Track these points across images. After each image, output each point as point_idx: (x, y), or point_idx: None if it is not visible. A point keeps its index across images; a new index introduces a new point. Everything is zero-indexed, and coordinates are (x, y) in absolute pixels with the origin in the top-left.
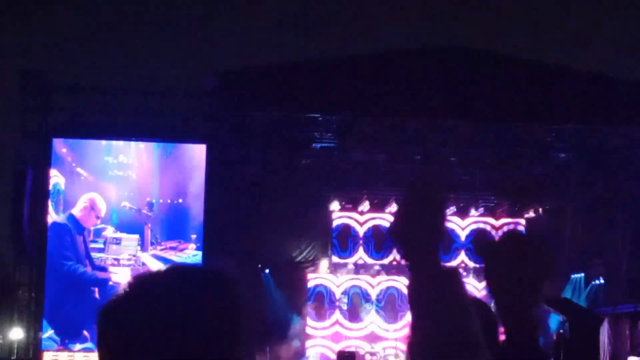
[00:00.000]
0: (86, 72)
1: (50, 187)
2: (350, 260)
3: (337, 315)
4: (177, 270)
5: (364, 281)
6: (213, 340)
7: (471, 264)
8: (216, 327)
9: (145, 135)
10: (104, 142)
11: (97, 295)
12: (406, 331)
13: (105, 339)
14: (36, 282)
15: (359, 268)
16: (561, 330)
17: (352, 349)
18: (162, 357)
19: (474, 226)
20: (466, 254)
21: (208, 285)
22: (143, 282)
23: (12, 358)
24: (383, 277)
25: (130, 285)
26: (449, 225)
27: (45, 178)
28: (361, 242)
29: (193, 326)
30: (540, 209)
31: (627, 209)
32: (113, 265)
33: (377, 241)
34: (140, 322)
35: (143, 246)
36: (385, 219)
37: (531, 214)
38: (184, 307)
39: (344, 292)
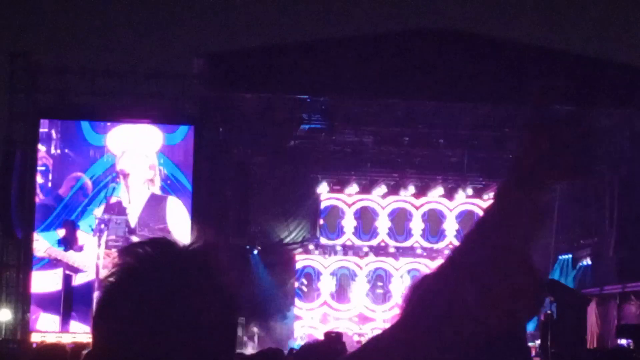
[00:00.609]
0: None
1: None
2: (339, 242)
3: (325, 296)
4: (166, 249)
5: (352, 262)
6: (207, 318)
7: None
8: (207, 316)
9: (132, 117)
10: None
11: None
12: (395, 312)
13: (100, 321)
14: (24, 263)
15: (347, 249)
16: (549, 311)
17: (340, 330)
18: (156, 338)
19: (462, 207)
20: (455, 236)
21: (199, 263)
22: (136, 267)
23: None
24: (371, 258)
25: (122, 267)
26: (437, 207)
27: (33, 159)
28: (349, 223)
29: (186, 306)
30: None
31: (614, 191)
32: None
33: (365, 222)
34: (134, 304)
35: (131, 228)
36: (374, 200)
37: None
38: (174, 287)
39: (332, 273)
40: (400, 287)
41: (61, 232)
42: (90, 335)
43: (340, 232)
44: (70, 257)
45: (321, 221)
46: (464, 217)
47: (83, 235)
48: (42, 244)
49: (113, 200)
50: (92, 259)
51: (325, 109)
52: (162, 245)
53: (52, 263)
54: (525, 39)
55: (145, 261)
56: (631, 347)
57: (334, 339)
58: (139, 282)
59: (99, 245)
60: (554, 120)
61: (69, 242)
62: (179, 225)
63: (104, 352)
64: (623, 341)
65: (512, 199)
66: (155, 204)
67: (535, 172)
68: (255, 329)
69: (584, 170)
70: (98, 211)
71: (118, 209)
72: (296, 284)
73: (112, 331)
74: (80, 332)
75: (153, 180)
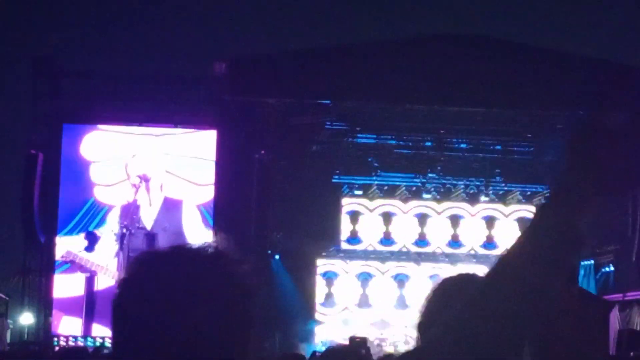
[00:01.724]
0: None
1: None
2: (360, 247)
3: (346, 301)
4: (181, 250)
5: (373, 267)
6: (221, 319)
7: (481, 251)
8: (221, 306)
9: (155, 121)
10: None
11: None
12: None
13: (118, 319)
14: (46, 267)
15: (368, 254)
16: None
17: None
18: (171, 336)
19: (484, 213)
20: (477, 242)
21: (212, 265)
22: (151, 264)
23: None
24: (393, 263)
25: (138, 267)
26: (459, 212)
27: (56, 163)
28: (371, 228)
29: (200, 306)
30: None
31: (637, 196)
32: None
33: (387, 227)
34: (149, 303)
35: (151, 232)
36: (395, 205)
37: (541, 201)
38: (189, 288)
39: (354, 278)
40: (421, 293)
41: (84, 239)
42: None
43: (362, 237)
44: (93, 260)
45: (343, 226)
46: (486, 222)
47: (105, 239)
48: (64, 247)
49: (129, 201)
50: (114, 262)
51: (347, 114)
52: (175, 246)
53: (74, 267)
54: (549, 43)
55: (159, 258)
56: None
57: (358, 344)
58: (152, 278)
59: (122, 248)
60: (610, 127)
61: (91, 248)
62: (195, 229)
63: (123, 349)
64: None
65: (551, 222)
66: (170, 208)
67: (584, 184)
68: (276, 334)
69: (635, 179)
70: (113, 215)
71: (133, 213)
72: (317, 289)
73: (130, 327)
74: (102, 336)
75: (166, 184)
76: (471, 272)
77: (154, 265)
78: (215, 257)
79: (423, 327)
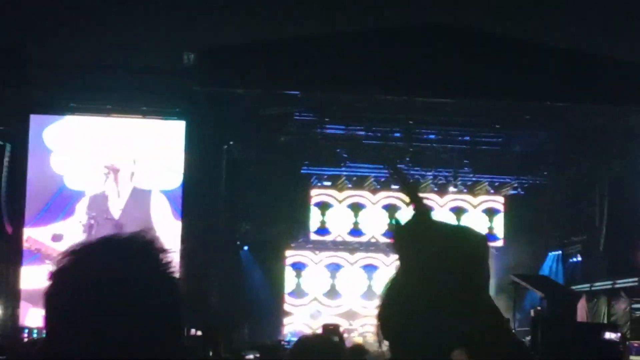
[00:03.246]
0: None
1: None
2: (329, 238)
3: (315, 292)
4: (111, 240)
5: (342, 258)
6: (149, 307)
7: None
8: (148, 294)
9: (124, 112)
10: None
11: None
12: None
13: (49, 309)
14: (13, 258)
15: (337, 245)
16: (539, 307)
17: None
18: (101, 324)
19: (452, 204)
20: None
21: (139, 254)
22: (81, 254)
23: None
24: (362, 254)
25: (69, 258)
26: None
27: (23, 154)
28: (340, 218)
29: (127, 295)
30: (519, 187)
31: (604, 187)
32: None
33: (356, 218)
34: (79, 293)
35: (118, 222)
36: (364, 195)
37: (509, 192)
38: (116, 277)
39: (323, 269)
40: None
41: (52, 229)
42: None
43: (331, 228)
44: (60, 249)
45: (312, 217)
46: (454, 213)
47: (73, 230)
48: (32, 239)
49: (97, 191)
50: None
51: (316, 105)
52: (105, 236)
53: (41, 258)
54: (519, 34)
55: (88, 248)
56: (617, 340)
57: (332, 331)
58: (82, 269)
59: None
60: None
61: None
62: (163, 220)
63: (55, 338)
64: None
65: None
66: (139, 198)
67: None
68: (245, 325)
69: None
70: (81, 206)
71: (102, 203)
72: (286, 280)
73: (59, 316)
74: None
75: (135, 174)
76: None
77: (84, 255)
78: (143, 246)
79: (383, 315)
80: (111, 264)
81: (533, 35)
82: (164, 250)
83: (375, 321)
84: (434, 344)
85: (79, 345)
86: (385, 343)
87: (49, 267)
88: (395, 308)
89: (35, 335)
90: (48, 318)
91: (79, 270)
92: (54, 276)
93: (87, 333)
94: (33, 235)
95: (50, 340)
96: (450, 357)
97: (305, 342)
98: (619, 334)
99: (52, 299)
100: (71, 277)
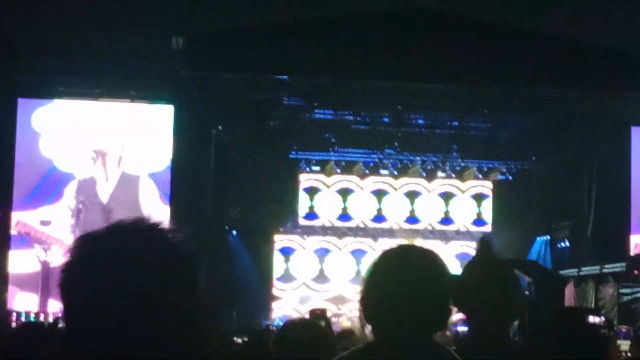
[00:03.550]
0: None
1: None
2: (318, 222)
3: (304, 277)
4: (117, 228)
5: (331, 243)
6: (164, 288)
7: (438, 227)
8: (163, 275)
9: (112, 96)
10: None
11: None
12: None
13: (64, 296)
14: (1, 242)
15: (326, 230)
16: (526, 292)
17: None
18: (120, 312)
19: (441, 189)
20: (434, 218)
21: (148, 237)
22: (89, 246)
23: None
24: (350, 239)
25: (77, 251)
26: (416, 188)
27: (10, 138)
28: (328, 203)
29: (141, 278)
30: (507, 172)
31: (592, 172)
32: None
33: (345, 203)
34: (93, 284)
35: (106, 206)
36: (353, 181)
37: (497, 177)
38: (129, 263)
39: (311, 254)
40: None
41: (41, 213)
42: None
43: (319, 213)
44: (49, 235)
45: (300, 202)
46: (443, 198)
47: (61, 214)
48: (21, 222)
49: (86, 176)
50: (71, 237)
51: (305, 90)
52: (110, 225)
53: (30, 242)
54: (507, 19)
55: (96, 239)
56: (602, 325)
57: (319, 316)
58: (92, 260)
59: (78, 223)
60: None
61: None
62: (151, 204)
63: (75, 330)
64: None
65: None
66: (127, 183)
67: None
68: (234, 310)
69: None
70: (69, 190)
71: (90, 188)
72: (275, 265)
73: (78, 302)
74: (59, 311)
75: (123, 158)
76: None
77: (92, 247)
78: (150, 229)
79: (366, 301)
80: (124, 250)
81: (521, 21)
82: (173, 231)
83: (358, 306)
84: (416, 327)
85: (101, 335)
86: (369, 327)
87: (37, 251)
88: (377, 293)
89: (23, 318)
90: (67, 310)
91: (93, 261)
92: (68, 269)
93: (108, 322)
94: (21, 219)
95: (72, 332)
96: (433, 338)
97: (292, 327)
98: (604, 319)
99: (69, 291)
100: (86, 268)
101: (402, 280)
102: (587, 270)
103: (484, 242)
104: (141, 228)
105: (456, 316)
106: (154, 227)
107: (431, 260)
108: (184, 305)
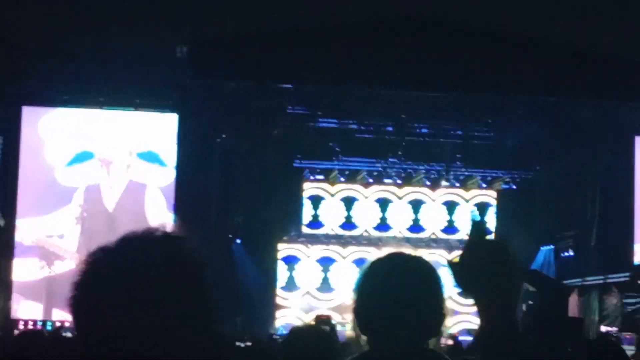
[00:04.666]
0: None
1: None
2: (321, 231)
3: (307, 285)
4: (130, 240)
5: (334, 252)
6: (179, 297)
7: (442, 236)
8: (177, 284)
9: (116, 104)
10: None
11: None
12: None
13: (76, 311)
14: (6, 250)
15: (329, 239)
16: (530, 302)
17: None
18: (132, 313)
19: (445, 198)
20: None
21: (162, 247)
22: (102, 261)
23: None
24: (354, 247)
25: (90, 262)
26: (420, 197)
27: (15, 146)
28: (332, 212)
29: (156, 289)
30: (511, 181)
31: (596, 182)
32: None
33: (348, 212)
34: (107, 299)
35: (111, 214)
36: (356, 189)
37: (501, 186)
38: (143, 275)
39: (315, 263)
40: None
41: (46, 221)
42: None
43: (323, 221)
44: (54, 244)
45: (304, 210)
46: (446, 207)
47: (66, 223)
48: (27, 230)
49: (91, 183)
50: (74, 245)
51: (308, 98)
52: (122, 237)
53: (34, 250)
54: (511, 28)
55: (109, 253)
56: (614, 335)
57: (323, 322)
58: (106, 275)
59: (83, 231)
60: None
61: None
62: (158, 213)
63: (87, 333)
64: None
65: None
66: (134, 191)
67: None
68: (237, 319)
69: None
70: (77, 197)
71: (95, 195)
72: (279, 273)
73: (91, 314)
74: (62, 320)
75: (130, 166)
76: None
77: (106, 261)
78: (163, 239)
79: (358, 311)
80: (137, 261)
81: (525, 30)
82: (185, 240)
83: (352, 316)
84: (410, 334)
85: (116, 346)
86: (363, 337)
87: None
88: (368, 302)
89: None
90: (79, 322)
91: (105, 278)
92: (80, 287)
93: (121, 334)
94: (26, 227)
95: (83, 342)
96: (427, 346)
97: (297, 332)
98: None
99: (82, 303)
100: (99, 280)
101: (392, 289)
102: (591, 280)
103: (476, 223)
104: (153, 237)
105: (454, 325)
106: (167, 236)
107: (421, 266)
108: (201, 315)
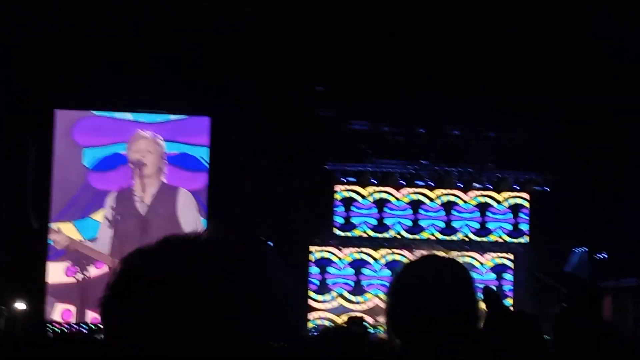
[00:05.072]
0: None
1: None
2: (354, 234)
3: (340, 288)
4: (169, 243)
5: (367, 254)
6: (215, 305)
7: (474, 238)
8: (213, 291)
9: (148, 107)
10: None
11: None
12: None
13: (110, 320)
14: (39, 254)
15: (362, 241)
16: (563, 304)
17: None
18: (166, 326)
19: (478, 200)
20: (469, 228)
21: (203, 252)
22: (140, 263)
23: (16, 330)
24: (386, 250)
25: (126, 267)
26: (452, 199)
27: (48, 149)
28: (364, 214)
29: (196, 295)
30: (545, 183)
31: (633, 182)
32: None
33: (381, 214)
34: (139, 293)
35: (144, 217)
36: (389, 191)
37: (534, 188)
38: (183, 280)
39: (347, 265)
40: None
41: (79, 224)
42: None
43: (355, 224)
44: (87, 247)
45: (336, 213)
46: (479, 209)
47: (99, 226)
48: (60, 234)
49: (124, 187)
50: (107, 249)
51: (341, 100)
52: (161, 240)
53: (67, 253)
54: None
55: (147, 255)
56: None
57: (355, 322)
58: (144, 278)
59: (116, 234)
60: None
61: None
62: (189, 217)
63: (118, 340)
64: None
65: None
66: (166, 194)
67: None
68: (272, 320)
69: None
70: (107, 201)
71: (128, 199)
72: (311, 276)
73: (122, 321)
74: (96, 323)
75: (162, 170)
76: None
77: (143, 263)
78: (203, 243)
79: (391, 314)
80: (177, 264)
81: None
82: (224, 245)
83: (385, 319)
84: (444, 337)
85: (148, 349)
86: (397, 341)
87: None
88: (402, 305)
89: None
90: (110, 323)
91: (144, 275)
92: (117, 282)
93: (155, 336)
94: (59, 230)
95: (114, 344)
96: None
97: (329, 333)
98: None
99: (117, 303)
100: (136, 281)
101: (426, 292)
102: (625, 282)
103: (489, 294)
104: (192, 244)
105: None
106: (209, 242)
107: (455, 268)
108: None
